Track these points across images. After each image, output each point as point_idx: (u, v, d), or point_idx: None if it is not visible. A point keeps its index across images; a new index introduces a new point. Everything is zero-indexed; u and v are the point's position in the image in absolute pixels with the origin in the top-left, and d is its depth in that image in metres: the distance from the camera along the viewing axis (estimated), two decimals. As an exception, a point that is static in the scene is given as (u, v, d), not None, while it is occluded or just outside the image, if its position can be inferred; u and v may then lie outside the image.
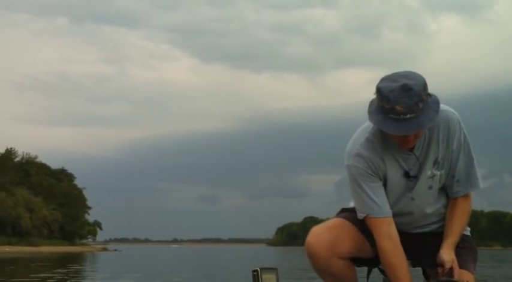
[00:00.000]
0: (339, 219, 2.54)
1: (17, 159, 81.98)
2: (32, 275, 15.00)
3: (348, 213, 2.52)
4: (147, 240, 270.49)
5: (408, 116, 2.14)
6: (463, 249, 2.48)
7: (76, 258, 36.45)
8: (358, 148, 2.37)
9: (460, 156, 2.41)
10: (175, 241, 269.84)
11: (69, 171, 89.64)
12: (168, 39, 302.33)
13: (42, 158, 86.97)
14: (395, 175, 2.39)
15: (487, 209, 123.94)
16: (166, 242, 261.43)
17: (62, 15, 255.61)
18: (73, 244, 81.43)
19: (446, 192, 2.50)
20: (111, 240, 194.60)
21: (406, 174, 2.39)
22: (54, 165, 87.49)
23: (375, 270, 2.64)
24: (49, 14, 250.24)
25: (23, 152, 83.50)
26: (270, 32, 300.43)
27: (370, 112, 2.25)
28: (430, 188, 2.43)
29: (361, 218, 2.42)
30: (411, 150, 2.36)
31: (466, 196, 2.47)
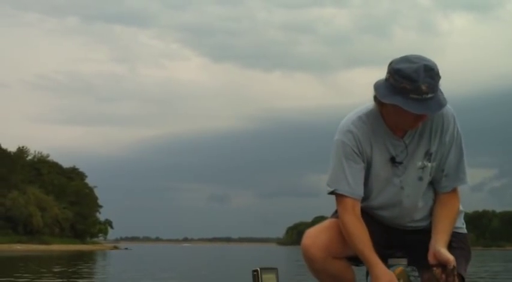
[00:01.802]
0: (333, 220, 2.53)
1: (29, 158, 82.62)
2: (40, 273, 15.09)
3: None
4: (157, 239, 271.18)
5: (429, 95, 2.18)
6: (457, 249, 2.45)
7: (86, 257, 36.61)
8: (349, 125, 2.40)
9: (451, 150, 2.42)
10: (185, 240, 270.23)
11: (81, 170, 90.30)
12: (178, 38, 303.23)
13: (54, 157, 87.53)
14: (380, 159, 2.40)
15: (498, 209, 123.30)
16: (176, 240, 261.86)
17: (73, 15, 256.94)
18: (84, 242, 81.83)
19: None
20: (122, 239, 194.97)
21: (392, 160, 2.40)
22: (65, 164, 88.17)
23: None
24: (60, 13, 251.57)
25: (35, 151, 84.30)
26: (280, 31, 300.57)
27: (383, 95, 2.24)
28: (421, 179, 2.43)
29: (328, 191, 2.43)
30: (401, 137, 2.39)
31: (454, 191, 2.46)
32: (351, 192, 2.39)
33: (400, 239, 2.51)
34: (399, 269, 2.25)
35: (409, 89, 2.17)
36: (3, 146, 74.08)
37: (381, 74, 2.37)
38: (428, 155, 2.41)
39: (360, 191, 2.41)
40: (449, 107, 2.39)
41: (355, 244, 2.35)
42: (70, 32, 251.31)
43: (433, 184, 2.48)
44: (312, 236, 2.48)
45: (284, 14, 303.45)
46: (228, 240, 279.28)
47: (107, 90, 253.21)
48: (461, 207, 2.53)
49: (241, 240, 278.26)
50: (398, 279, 2.22)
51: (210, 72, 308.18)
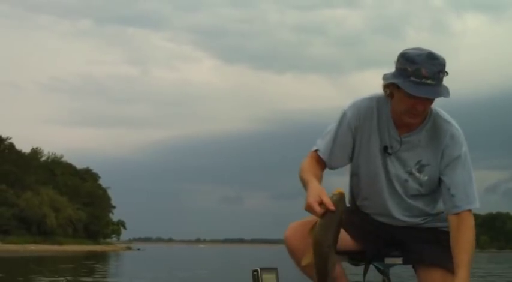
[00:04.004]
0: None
1: (43, 159, 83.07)
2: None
3: None
4: (170, 240, 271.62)
5: (429, 81, 2.24)
6: (446, 247, 2.45)
7: (99, 257, 36.79)
8: (358, 101, 2.48)
9: (457, 170, 2.42)
10: (198, 241, 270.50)
11: (94, 171, 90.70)
12: (191, 40, 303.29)
13: (68, 158, 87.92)
14: (375, 143, 2.45)
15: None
16: (189, 241, 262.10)
17: (86, 17, 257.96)
18: (97, 243, 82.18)
19: (434, 200, 2.52)
20: (135, 240, 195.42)
21: (385, 149, 2.44)
22: (79, 165, 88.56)
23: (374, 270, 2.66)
24: (73, 16, 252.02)
25: (49, 152, 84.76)
26: (292, 33, 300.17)
27: (386, 77, 2.34)
28: (406, 181, 2.46)
29: (312, 149, 2.49)
30: (400, 133, 2.43)
31: (467, 215, 2.41)
32: (326, 157, 2.46)
33: (396, 237, 2.54)
34: (338, 191, 2.23)
35: (410, 72, 2.25)
36: (18, 147, 74.76)
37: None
38: (418, 165, 2.44)
39: (332, 162, 2.48)
40: (458, 129, 2.44)
41: (300, 175, 2.39)
42: (83, 35, 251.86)
43: (431, 196, 2.50)
44: (293, 228, 2.51)
45: (296, 16, 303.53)
46: (241, 241, 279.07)
47: (120, 92, 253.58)
48: None
49: (253, 241, 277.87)
50: (332, 197, 2.20)
51: (223, 74, 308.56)
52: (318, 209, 2.17)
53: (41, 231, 70.43)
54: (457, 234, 2.38)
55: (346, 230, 2.43)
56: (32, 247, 59.32)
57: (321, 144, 2.48)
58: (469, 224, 2.40)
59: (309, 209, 2.19)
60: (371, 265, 2.61)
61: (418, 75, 2.24)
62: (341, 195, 2.22)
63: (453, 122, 2.46)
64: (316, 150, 2.48)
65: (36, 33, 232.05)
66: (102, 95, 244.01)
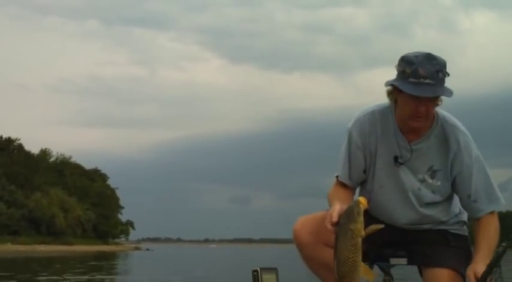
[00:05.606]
0: (326, 210, 2.54)
1: (52, 160, 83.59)
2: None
3: None
4: (179, 240, 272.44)
5: (427, 81, 2.24)
6: (453, 248, 2.48)
7: (109, 258, 36.94)
8: (361, 117, 2.49)
9: (473, 177, 2.41)
10: (206, 241, 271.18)
11: (103, 171, 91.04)
12: (197, 40, 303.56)
13: (76, 159, 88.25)
14: (384, 156, 2.45)
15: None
16: (198, 242, 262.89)
17: (93, 18, 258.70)
18: (106, 243, 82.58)
19: (448, 207, 2.51)
20: (143, 240, 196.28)
21: (396, 159, 2.44)
22: (87, 165, 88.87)
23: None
24: (80, 17, 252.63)
25: (58, 153, 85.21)
26: (299, 32, 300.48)
27: (388, 82, 2.35)
28: (419, 189, 2.45)
29: (335, 174, 2.56)
30: (409, 141, 2.41)
31: (492, 215, 2.45)
32: (347, 180, 2.52)
33: (401, 238, 2.52)
34: (356, 200, 2.20)
35: (408, 73, 2.26)
36: (27, 148, 75.23)
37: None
38: (430, 171, 2.43)
39: (354, 183, 2.54)
40: (467, 134, 2.42)
41: (328, 201, 2.44)
42: (90, 36, 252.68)
43: (446, 201, 2.49)
44: (302, 222, 2.55)
45: (303, 15, 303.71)
46: (249, 241, 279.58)
47: (128, 93, 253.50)
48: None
49: (262, 241, 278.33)
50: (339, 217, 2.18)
51: (230, 73, 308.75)
52: (329, 227, 2.20)
53: (50, 231, 70.83)
54: (480, 227, 2.43)
55: None
56: (42, 248, 59.66)
57: (339, 170, 2.53)
58: (494, 221, 2.44)
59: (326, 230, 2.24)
60: (375, 265, 2.60)
61: (416, 76, 2.24)
62: (354, 204, 2.17)
63: (460, 125, 2.45)
64: (339, 179, 2.54)
65: (43, 34, 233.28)
66: (109, 96, 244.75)
